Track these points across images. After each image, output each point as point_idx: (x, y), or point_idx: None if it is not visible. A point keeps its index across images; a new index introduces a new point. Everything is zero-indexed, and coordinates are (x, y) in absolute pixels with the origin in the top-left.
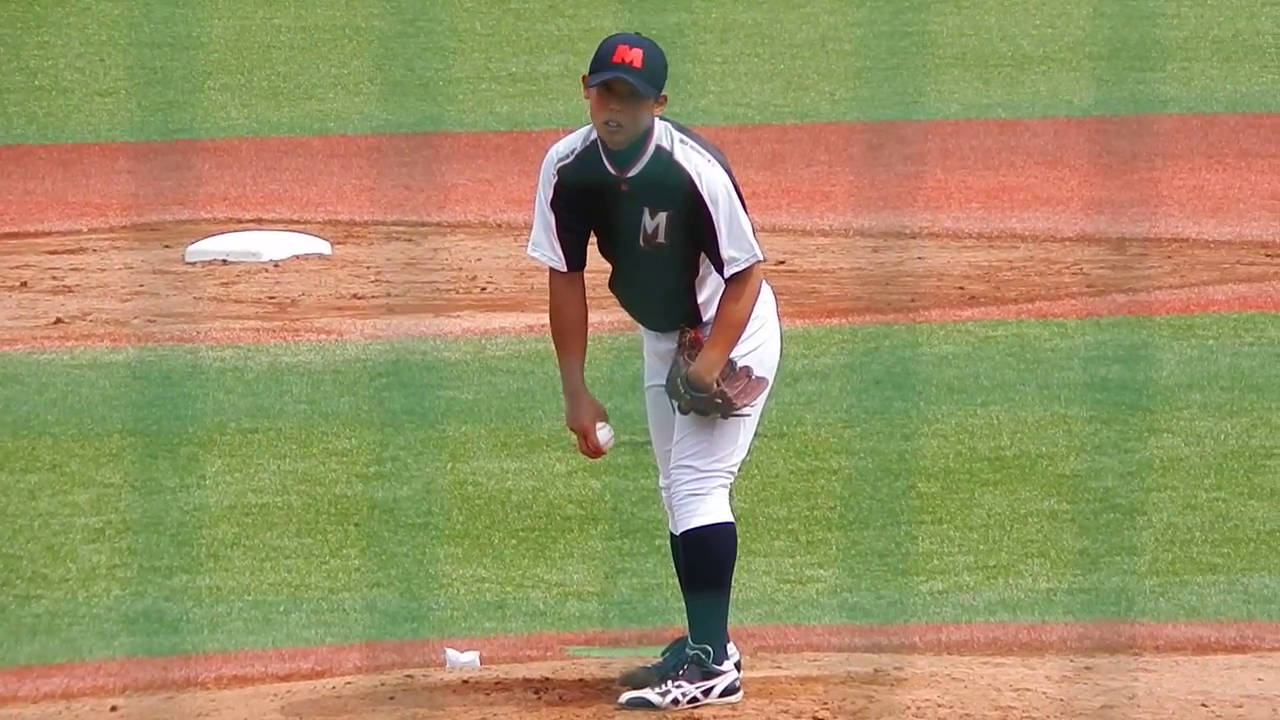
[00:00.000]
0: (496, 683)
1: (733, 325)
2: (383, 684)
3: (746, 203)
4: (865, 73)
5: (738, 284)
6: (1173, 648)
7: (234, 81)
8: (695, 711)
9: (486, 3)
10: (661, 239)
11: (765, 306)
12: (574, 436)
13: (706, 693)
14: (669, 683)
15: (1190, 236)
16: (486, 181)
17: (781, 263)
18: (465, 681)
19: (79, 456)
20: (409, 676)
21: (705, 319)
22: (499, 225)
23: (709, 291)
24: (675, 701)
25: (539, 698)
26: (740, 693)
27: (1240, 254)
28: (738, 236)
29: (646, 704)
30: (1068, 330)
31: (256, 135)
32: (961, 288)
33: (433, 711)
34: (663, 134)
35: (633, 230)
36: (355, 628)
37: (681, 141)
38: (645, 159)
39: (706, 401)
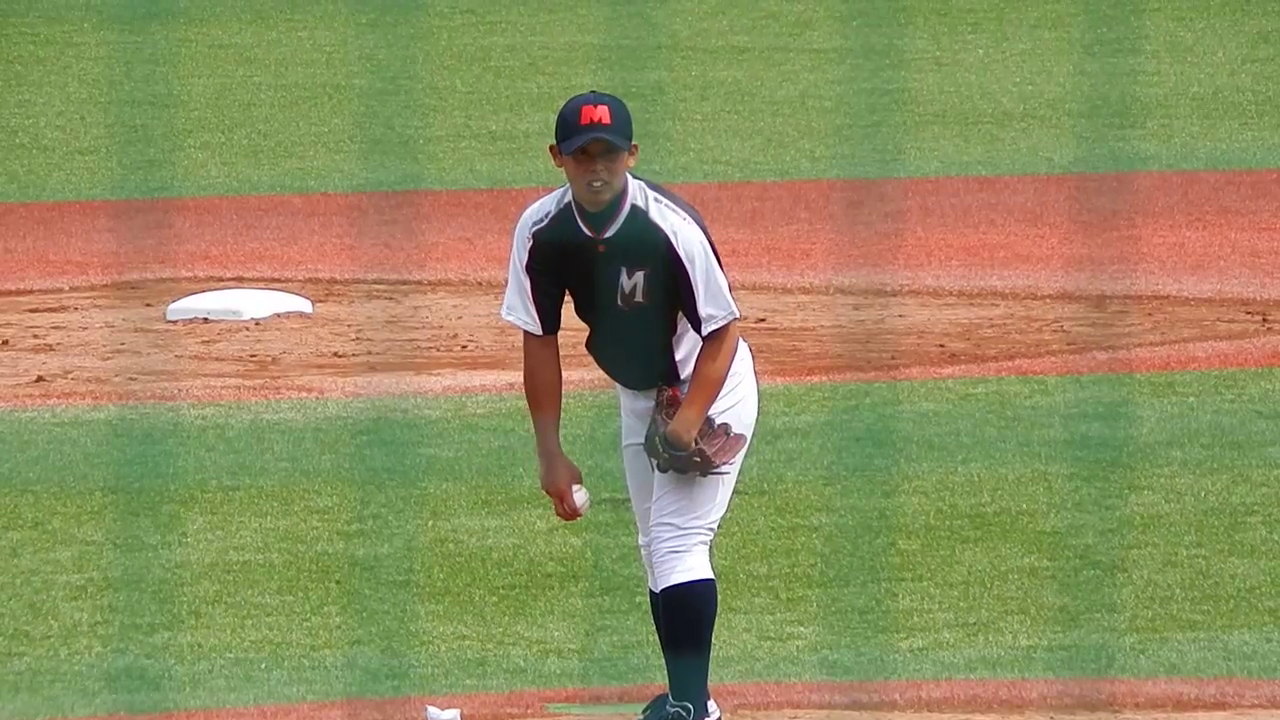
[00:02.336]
0: None
1: (710, 383)
2: None
3: (724, 260)
4: (845, 130)
5: (715, 342)
6: (1153, 705)
7: (214, 140)
8: None
9: (466, 61)
10: (639, 298)
11: (742, 364)
12: (550, 499)
13: None
14: None
15: (1171, 294)
16: (467, 240)
17: (762, 320)
18: None
19: (61, 514)
20: None
21: (683, 377)
22: (479, 283)
23: (686, 349)
24: None
25: None
26: None
27: (1221, 311)
28: (715, 294)
29: None
30: (1048, 387)
31: (237, 193)
32: (942, 345)
33: None
34: (637, 193)
35: (610, 290)
36: (336, 685)
37: (656, 200)
38: (621, 219)
39: (685, 460)
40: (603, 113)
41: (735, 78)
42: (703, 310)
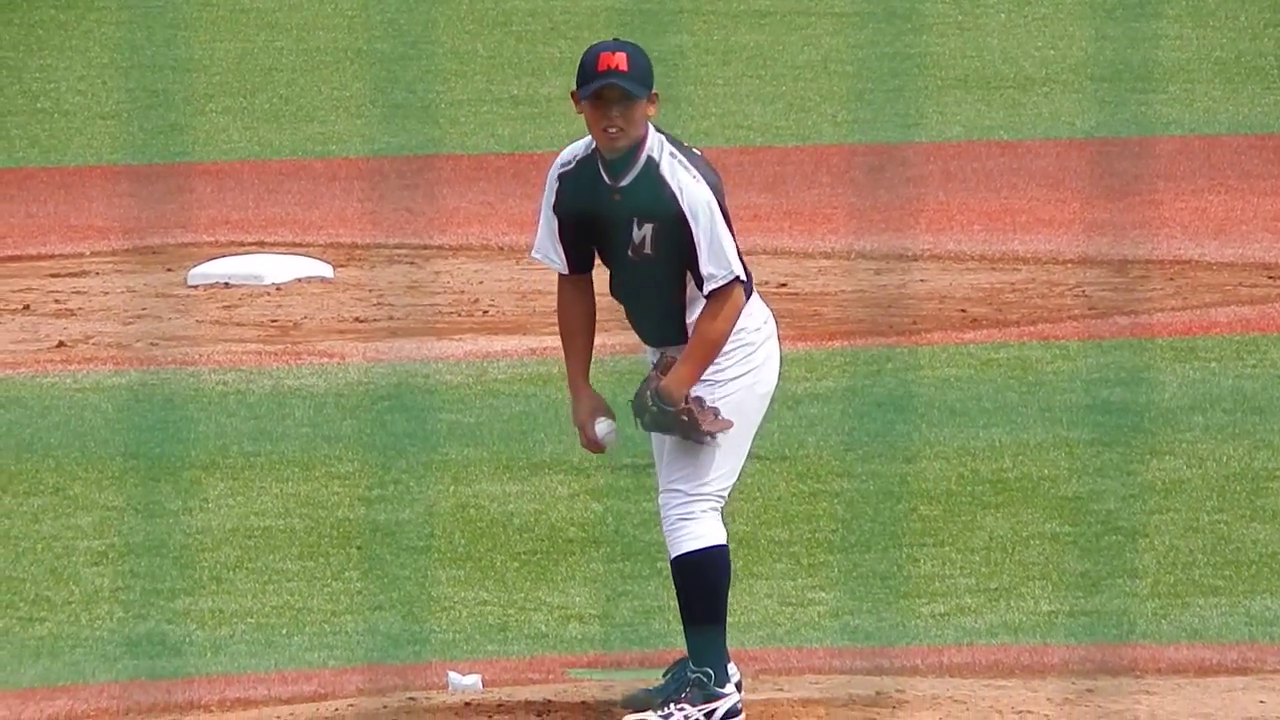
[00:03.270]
0: (499, 705)
1: (708, 343)
2: (385, 707)
3: (745, 225)
4: (867, 95)
5: (717, 301)
6: (1175, 670)
7: (235, 104)
8: None
9: (488, 25)
10: (648, 250)
11: (759, 332)
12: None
13: (709, 715)
14: (671, 705)
15: (1192, 258)
16: (488, 204)
17: (783, 285)
18: (467, 704)
19: (82, 479)
20: (411, 699)
21: None
22: (501, 248)
23: (699, 311)
24: None
25: None
26: (742, 715)
27: (1242, 276)
28: (717, 254)
29: None
30: (1070, 353)
31: (258, 158)
32: (963, 310)
33: None
34: (655, 146)
35: (623, 239)
36: (357, 650)
37: (671, 155)
38: (636, 169)
39: (672, 417)
40: (620, 59)
41: (757, 42)
42: (704, 268)
